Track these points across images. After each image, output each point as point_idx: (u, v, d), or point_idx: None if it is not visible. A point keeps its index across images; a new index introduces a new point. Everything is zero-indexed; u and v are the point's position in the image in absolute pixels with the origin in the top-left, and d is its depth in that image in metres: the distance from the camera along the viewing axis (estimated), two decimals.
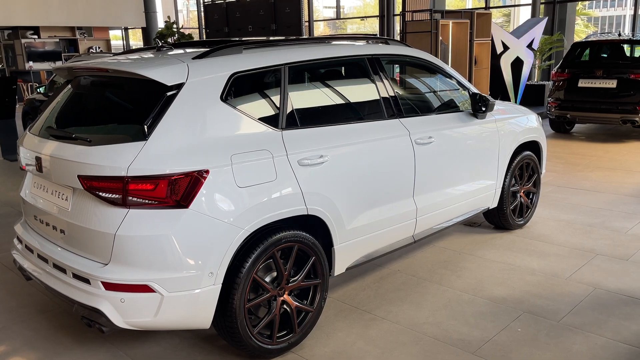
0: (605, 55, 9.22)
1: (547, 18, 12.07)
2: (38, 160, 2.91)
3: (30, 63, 17.11)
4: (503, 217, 4.68)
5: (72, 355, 3.05)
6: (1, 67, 18.45)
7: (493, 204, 4.53)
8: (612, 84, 8.54)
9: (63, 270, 2.75)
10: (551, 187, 6.20)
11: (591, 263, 4.10)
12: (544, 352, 2.97)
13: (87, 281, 2.61)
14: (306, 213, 2.97)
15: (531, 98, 11.75)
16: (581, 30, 24.97)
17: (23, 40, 17.08)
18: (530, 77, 12.04)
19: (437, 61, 4.20)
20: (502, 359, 2.92)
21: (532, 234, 4.74)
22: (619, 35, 9.27)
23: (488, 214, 4.72)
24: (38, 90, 9.60)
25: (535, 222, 5.02)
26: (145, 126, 2.59)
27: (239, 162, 2.72)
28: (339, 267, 3.29)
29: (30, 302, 3.68)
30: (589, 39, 9.55)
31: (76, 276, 2.66)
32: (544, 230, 4.82)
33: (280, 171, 2.86)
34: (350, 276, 3.91)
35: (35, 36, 17.37)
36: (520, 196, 4.81)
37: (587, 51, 9.31)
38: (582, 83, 8.85)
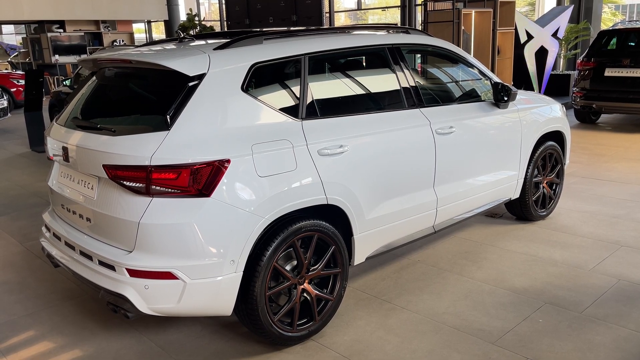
0: (633, 44, 9.00)
1: (573, 6, 11.82)
2: (65, 150, 2.98)
3: (56, 56, 17.41)
4: (525, 208, 4.64)
5: (98, 340, 3.13)
6: (28, 61, 18.83)
7: (515, 194, 4.48)
8: (639, 73, 8.34)
9: (89, 257, 2.82)
10: (575, 178, 6.11)
11: (615, 255, 4.04)
12: (565, 343, 2.95)
13: (112, 268, 2.67)
14: (326, 203, 2.99)
15: (556, 88, 11.53)
16: (608, 19, 24.33)
17: (49, 34, 17.38)
18: (555, 67, 11.81)
19: (457, 50, 4.16)
20: (522, 349, 2.90)
21: (554, 225, 4.68)
22: None
23: (510, 204, 4.68)
24: (64, 83, 9.76)
25: (558, 213, 4.95)
26: (168, 116, 2.63)
27: (259, 152, 2.74)
28: (359, 257, 3.31)
29: (58, 288, 3.79)
30: (616, 27, 9.32)
31: (102, 263, 2.73)
32: (567, 222, 4.76)
33: (300, 161, 2.88)
34: (370, 266, 3.93)
35: (61, 30, 17.65)
36: (543, 187, 4.75)
37: (614, 40, 9.09)
38: (609, 72, 8.66)
